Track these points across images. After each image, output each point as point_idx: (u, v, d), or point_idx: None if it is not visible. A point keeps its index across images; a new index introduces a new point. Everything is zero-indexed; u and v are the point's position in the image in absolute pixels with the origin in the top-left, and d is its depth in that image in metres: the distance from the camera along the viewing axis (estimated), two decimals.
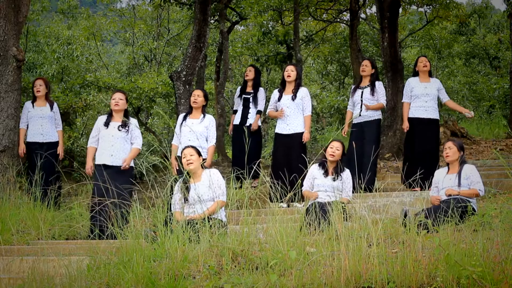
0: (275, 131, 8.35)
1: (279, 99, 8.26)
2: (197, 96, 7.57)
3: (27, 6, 8.85)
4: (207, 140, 7.51)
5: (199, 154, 6.00)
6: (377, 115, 8.50)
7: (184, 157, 5.93)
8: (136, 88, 14.49)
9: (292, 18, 15.79)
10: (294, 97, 8.12)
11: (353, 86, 8.87)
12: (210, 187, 5.78)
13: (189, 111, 7.69)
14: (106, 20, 22.38)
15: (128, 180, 7.00)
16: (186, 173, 5.85)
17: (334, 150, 6.80)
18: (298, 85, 8.21)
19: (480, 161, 10.21)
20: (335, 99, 18.34)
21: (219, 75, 13.74)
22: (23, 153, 8.24)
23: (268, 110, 8.56)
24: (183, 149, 6.05)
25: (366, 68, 8.53)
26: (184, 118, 7.58)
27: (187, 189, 5.81)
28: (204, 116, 7.57)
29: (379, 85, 8.50)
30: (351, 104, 8.66)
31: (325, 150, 6.82)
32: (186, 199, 5.78)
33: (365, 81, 8.56)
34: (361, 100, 8.44)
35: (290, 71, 8.22)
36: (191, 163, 5.88)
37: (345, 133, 8.57)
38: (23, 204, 7.18)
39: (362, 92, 8.48)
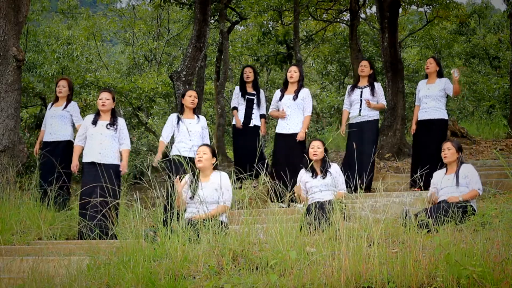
0: (276, 131, 8.34)
1: (280, 99, 8.26)
2: (194, 97, 7.56)
3: (27, 6, 8.85)
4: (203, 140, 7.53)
5: (214, 155, 6.04)
6: (376, 115, 8.51)
7: (197, 154, 6.01)
8: (136, 88, 14.49)
9: (292, 18, 15.78)
10: (295, 97, 8.10)
11: (349, 86, 8.86)
12: (216, 189, 5.80)
13: (181, 111, 7.64)
14: (106, 20, 22.39)
15: (117, 178, 7.02)
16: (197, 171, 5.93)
17: (316, 149, 6.80)
18: (300, 86, 8.21)
19: (480, 161, 10.23)
20: (335, 99, 18.32)
21: (219, 75, 13.73)
22: (37, 152, 8.29)
23: (270, 110, 8.55)
24: (199, 147, 6.13)
25: (365, 68, 8.55)
26: (179, 118, 7.54)
27: (195, 186, 5.84)
28: (198, 117, 7.60)
29: (378, 86, 8.53)
30: (348, 103, 8.64)
31: (307, 153, 6.84)
32: (192, 196, 5.79)
33: (363, 81, 8.57)
34: (361, 100, 8.44)
35: (293, 72, 8.22)
36: (200, 161, 5.94)
37: (343, 133, 8.53)
38: (23, 204, 7.17)
39: (362, 91, 8.48)
